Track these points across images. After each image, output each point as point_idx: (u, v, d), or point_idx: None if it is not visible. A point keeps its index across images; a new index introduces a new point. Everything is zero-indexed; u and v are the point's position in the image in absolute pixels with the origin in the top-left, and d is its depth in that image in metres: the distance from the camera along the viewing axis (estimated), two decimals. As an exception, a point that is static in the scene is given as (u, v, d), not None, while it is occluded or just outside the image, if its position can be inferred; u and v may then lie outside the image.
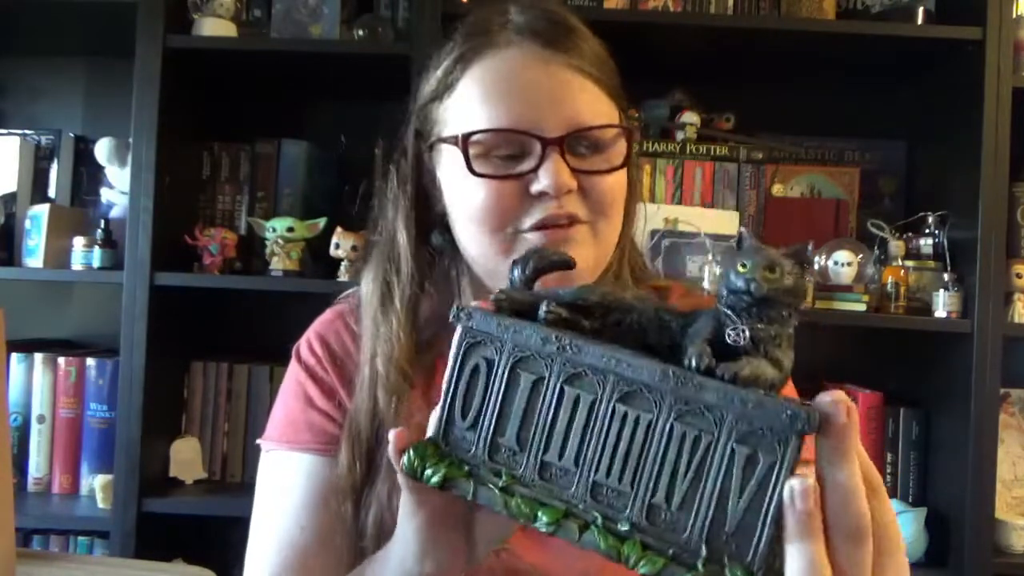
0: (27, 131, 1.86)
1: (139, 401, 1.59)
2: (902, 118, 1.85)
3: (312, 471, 0.78)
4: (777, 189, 1.76)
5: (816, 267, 1.63)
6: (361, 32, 1.69)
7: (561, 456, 0.48)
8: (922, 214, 1.68)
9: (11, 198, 1.78)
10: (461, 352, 0.51)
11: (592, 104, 0.72)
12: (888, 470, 1.64)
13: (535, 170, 0.70)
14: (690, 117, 1.75)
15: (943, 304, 1.55)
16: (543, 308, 0.50)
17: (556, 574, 0.70)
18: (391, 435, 0.53)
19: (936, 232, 1.66)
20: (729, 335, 0.45)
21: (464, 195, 0.73)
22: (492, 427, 0.50)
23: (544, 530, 0.47)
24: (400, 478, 0.54)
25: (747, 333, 0.45)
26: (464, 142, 0.72)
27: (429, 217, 0.80)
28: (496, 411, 0.50)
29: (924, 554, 1.54)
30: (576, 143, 0.71)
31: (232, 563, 1.87)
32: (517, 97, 0.71)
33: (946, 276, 1.57)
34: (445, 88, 0.75)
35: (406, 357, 0.76)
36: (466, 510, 0.56)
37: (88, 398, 1.72)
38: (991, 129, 1.51)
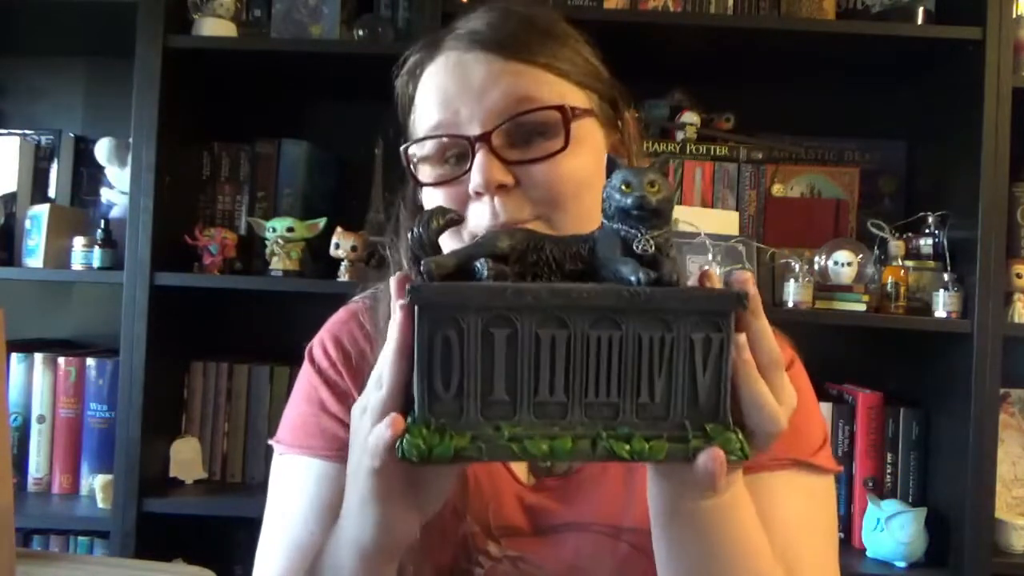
0: (27, 131, 1.86)
1: (139, 401, 1.59)
2: (902, 118, 1.85)
3: (322, 475, 0.78)
4: (777, 189, 1.76)
5: (816, 267, 1.63)
6: (361, 32, 1.69)
7: (552, 393, 0.52)
8: (922, 214, 1.68)
9: (11, 198, 1.78)
10: (425, 329, 0.52)
11: (525, 87, 0.68)
12: (888, 470, 1.64)
13: (470, 170, 0.69)
14: (690, 117, 1.75)
15: (943, 304, 1.55)
16: (483, 267, 0.55)
17: None
18: (387, 421, 0.52)
19: (936, 232, 1.66)
20: (637, 246, 0.53)
21: (426, 203, 0.74)
22: (479, 388, 0.52)
23: (564, 458, 0.52)
24: (369, 459, 0.54)
25: (652, 242, 0.53)
26: (405, 154, 0.73)
27: None
28: (479, 372, 0.52)
29: (924, 554, 1.54)
30: (511, 135, 0.68)
31: (232, 563, 1.88)
32: (446, 99, 0.70)
33: (946, 276, 1.57)
34: (407, 102, 0.77)
35: None
36: (412, 477, 0.57)
37: (88, 398, 1.72)
38: (991, 129, 1.51)
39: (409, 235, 0.58)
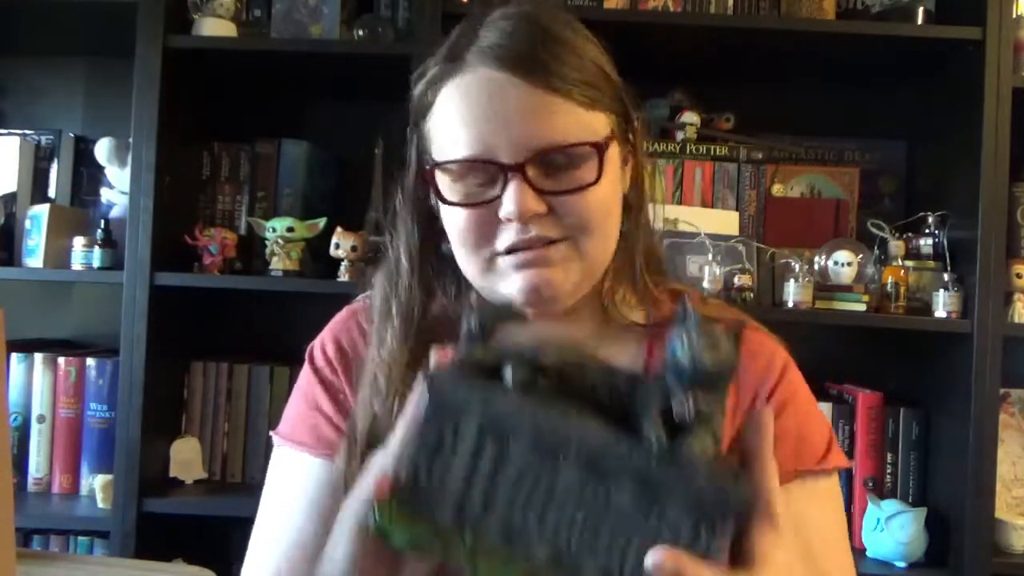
0: (27, 131, 1.86)
1: (139, 401, 1.59)
2: (902, 118, 1.85)
3: (310, 471, 0.81)
4: (777, 189, 1.76)
5: (816, 267, 1.63)
6: (361, 32, 1.69)
7: (525, 521, 0.50)
8: (922, 214, 1.68)
9: (11, 198, 1.78)
10: (430, 414, 0.52)
11: (560, 122, 0.70)
12: (888, 470, 1.64)
13: (501, 196, 0.71)
14: (690, 117, 1.75)
15: (943, 304, 1.55)
16: (511, 373, 0.53)
17: None
18: (378, 479, 0.53)
19: (936, 232, 1.66)
20: (676, 411, 0.50)
21: (447, 218, 0.76)
22: (459, 490, 0.51)
23: None
24: (356, 501, 0.55)
25: (692, 407, 0.50)
26: (432, 172, 0.74)
27: (436, 227, 0.80)
28: (464, 474, 0.51)
29: (924, 554, 1.55)
30: (544, 164, 0.70)
31: (232, 563, 1.88)
32: (478, 124, 0.71)
33: (946, 276, 1.57)
34: (424, 108, 0.76)
35: (400, 367, 0.77)
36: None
37: (88, 398, 1.72)
38: (991, 129, 1.51)
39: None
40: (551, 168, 0.70)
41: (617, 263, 0.78)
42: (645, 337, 0.80)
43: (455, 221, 0.74)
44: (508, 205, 0.69)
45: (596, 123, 0.72)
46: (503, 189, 0.70)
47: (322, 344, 0.86)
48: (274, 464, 0.86)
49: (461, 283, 0.81)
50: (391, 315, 0.80)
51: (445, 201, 0.73)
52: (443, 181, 0.74)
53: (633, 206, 0.79)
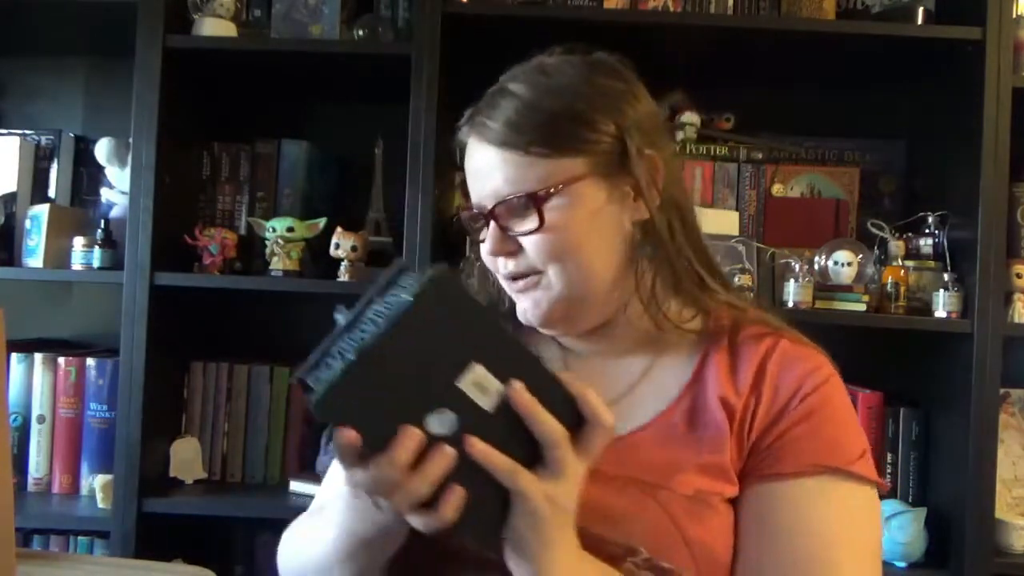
0: (27, 131, 1.86)
1: (139, 401, 1.59)
2: (902, 118, 1.85)
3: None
4: (777, 189, 1.76)
5: (816, 267, 1.63)
6: (361, 32, 1.69)
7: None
8: (922, 214, 1.68)
9: (11, 198, 1.77)
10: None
11: (512, 175, 0.81)
12: (888, 470, 1.64)
13: None
14: (690, 117, 1.75)
15: (943, 304, 1.55)
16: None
17: (591, 519, 0.74)
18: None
19: (936, 232, 1.66)
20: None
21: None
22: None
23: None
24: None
25: None
26: (456, 218, 0.96)
27: None
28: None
29: (924, 554, 1.55)
30: (505, 212, 0.82)
31: (232, 563, 1.88)
32: (469, 180, 0.87)
33: (946, 276, 1.57)
34: (462, 164, 0.90)
35: None
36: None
37: (88, 398, 1.72)
38: (991, 129, 1.51)
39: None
40: (516, 213, 0.82)
41: (649, 277, 0.85)
42: (701, 343, 0.87)
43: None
44: (486, 244, 0.85)
45: (558, 168, 0.81)
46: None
47: None
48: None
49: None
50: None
51: (468, 235, 0.90)
52: (466, 222, 0.91)
53: (657, 229, 0.84)
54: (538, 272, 0.83)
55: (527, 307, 0.84)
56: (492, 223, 0.83)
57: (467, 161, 0.87)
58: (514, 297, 0.87)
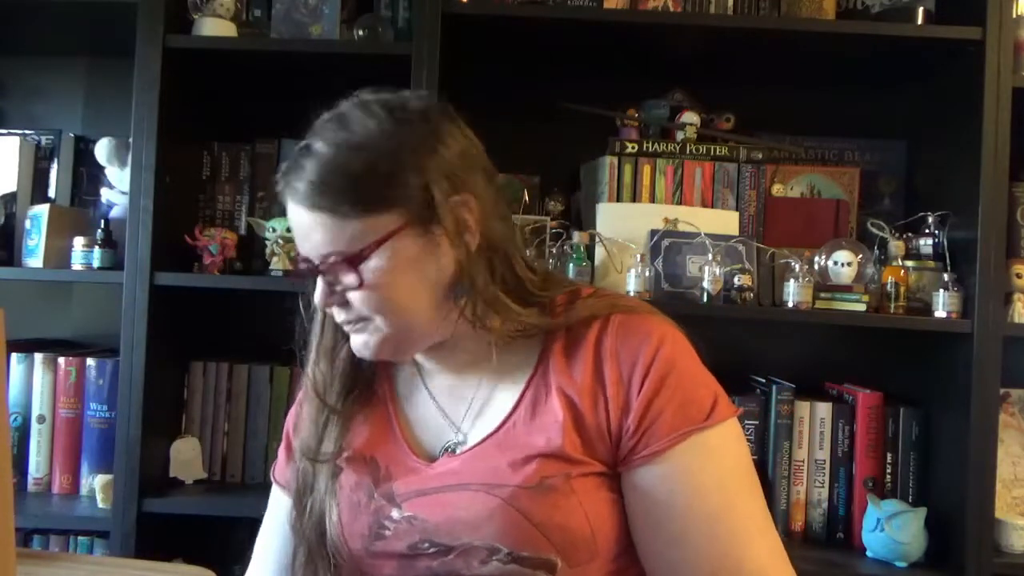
0: (27, 131, 1.86)
1: (139, 401, 1.59)
2: (902, 118, 1.86)
3: (277, 499, 1.05)
4: (777, 189, 1.76)
5: (816, 267, 1.63)
6: (361, 32, 1.69)
7: None
8: (922, 214, 1.68)
9: (11, 198, 1.78)
10: None
11: (327, 235, 0.84)
12: (888, 470, 1.64)
13: None
14: (690, 117, 1.75)
15: (943, 304, 1.55)
16: None
17: (456, 531, 0.85)
18: None
19: (936, 232, 1.66)
20: None
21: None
22: None
23: None
24: None
25: None
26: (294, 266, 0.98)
27: None
28: None
29: (924, 554, 1.55)
30: (329, 269, 0.86)
31: (232, 563, 1.88)
32: (295, 237, 0.90)
33: (946, 276, 1.57)
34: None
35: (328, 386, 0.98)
36: None
37: (88, 398, 1.72)
38: (991, 129, 1.51)
39: None
40: (337, 270, 0.86)
41: (471, 306, 0.88)
42: (538, 339, 0.91)
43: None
44: (315, 298, 0.89)
45: (371, 225, 0.84)
46: None
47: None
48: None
49: None
50: (318, 355, 0.98)
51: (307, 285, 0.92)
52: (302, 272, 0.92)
53: (472, 270, 0.87)
54: (365, 318, 0.88)
55: (358, 347, 0.90)
56: (320, 278, 0.87)
57: (288, 218, 0.90)
58: (349, 335, 0.92)
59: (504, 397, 0.91)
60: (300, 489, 0.95)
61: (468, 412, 0.93)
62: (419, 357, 0.96)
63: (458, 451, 0.91)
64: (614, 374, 0.86)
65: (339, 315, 0.90)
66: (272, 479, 1.06)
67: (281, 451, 1.06)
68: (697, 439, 0.84)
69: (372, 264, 0.85)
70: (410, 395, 0.98)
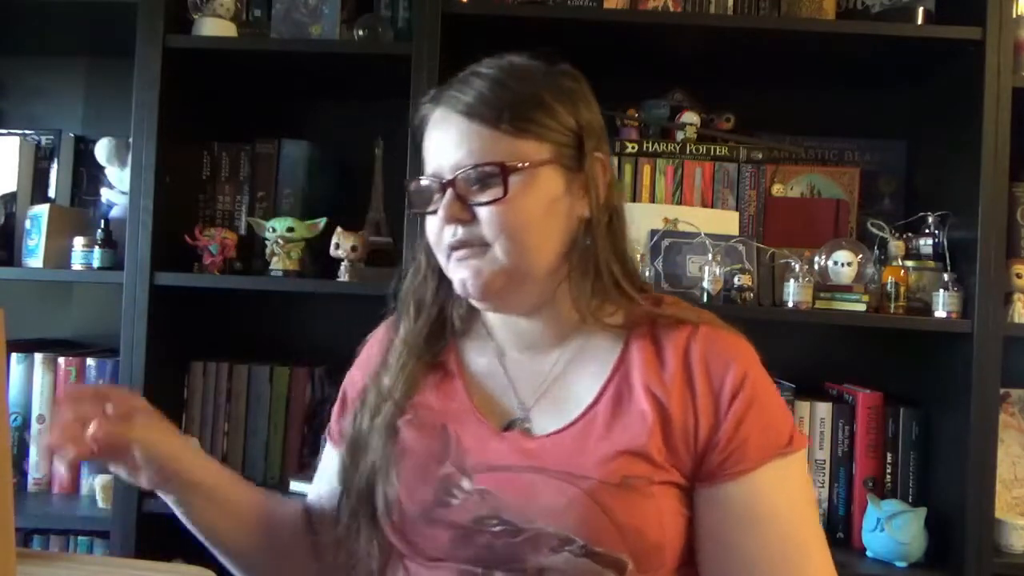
0: (27, 131, 1.86)
1: (139, 401, 1.59)
2: (902, 118, 1.85)
3: (329, 455, 1.06)
4: (777, 189, 1.76)
5: (816, 267, 1.63)
6: (361, 32, 1.69)
7: None
8: (922, 214, 1.68)
9: (11, 198, 1.78)
10: None
11: (481, 147, 0.86)
12: (888, 470, 1.64)
13: None
14: (690, 117, 1.75)
15: (943, 304, 1.55)
16: None
17: (530, 514, 0.84)
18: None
19: (936, 232, 1.66)
20: None
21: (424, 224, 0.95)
22: None
23: None
24: None
25: None
26: (406, 190, 0.97)
27: None
28: None
29: (924, 554, 1.55)
30: (470, 181, 0.86)
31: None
32: (433, 151, 0.90)
33: (946, 276, 1.57)
34: (421, 142, 0.94)
35: (411, 345, 0.97)
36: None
37: (88, 398, 1.72)
38: (991, 129, 1.51)
39: None
40: (477, 184, 0.86)
41: (579, 270, 0.90)
42: (622, 335, 0.92)
43: (425, 226, 0.93)
44: (440, 211, 0.88)
45: (524, 149, 0.87)
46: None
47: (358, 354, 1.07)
48: None
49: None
50: (409, 303, 0.98)
51: (410, 208, 0.92)
52: (416, 194, 0.92)
53: (597, 225, 0.90)
54: (485, 244, 0.87)
55: (467, 276, 0.88)
56: (449, 191, 0.87)
57: (430, 132, 0.91)
58: (453, 270, 0.90)
59: (585, 385, 0.90)
60: (354, 443, 0.95)
61: (539, 392, 0.92)
62: (499, 328, 0.96)
63: (533, 432, 0.90)
64: (704, 384, 0.87)
65: (456, 234, 0.88)
66: (326, 438, 1.06)
67: (335, 409, 1.05)
68: (779, 463, 0.86)
69: (519, 180, 0.86)
70: (481, 368, 0.97)
